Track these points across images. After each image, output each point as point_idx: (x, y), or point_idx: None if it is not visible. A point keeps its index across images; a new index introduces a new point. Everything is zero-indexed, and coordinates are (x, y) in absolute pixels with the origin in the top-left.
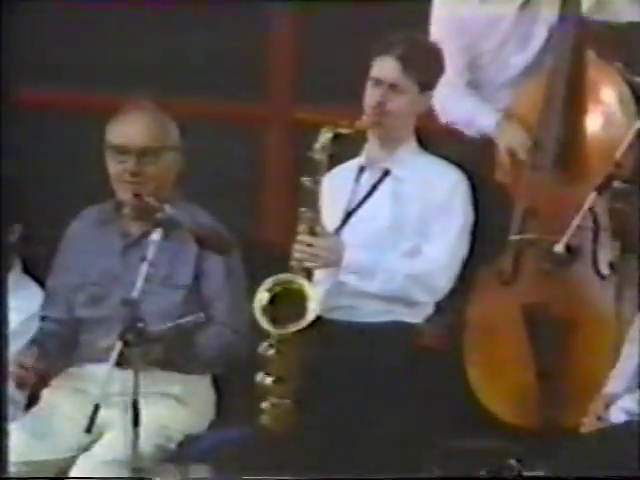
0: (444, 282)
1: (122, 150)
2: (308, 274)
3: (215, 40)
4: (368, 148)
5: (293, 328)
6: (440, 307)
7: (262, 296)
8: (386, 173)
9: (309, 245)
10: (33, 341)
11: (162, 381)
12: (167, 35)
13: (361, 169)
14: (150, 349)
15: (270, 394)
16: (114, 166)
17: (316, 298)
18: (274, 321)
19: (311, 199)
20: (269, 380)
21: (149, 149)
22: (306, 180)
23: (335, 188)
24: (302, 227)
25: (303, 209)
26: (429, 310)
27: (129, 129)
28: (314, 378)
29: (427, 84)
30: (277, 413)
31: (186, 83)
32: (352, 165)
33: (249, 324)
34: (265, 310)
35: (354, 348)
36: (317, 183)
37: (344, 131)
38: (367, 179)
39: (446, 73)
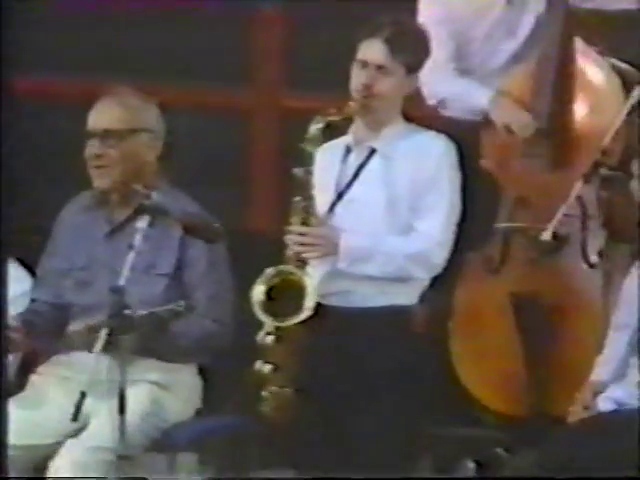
0: (442, 257)
1: (89, 134)
2: (303, 264)
3: (203, 27)
4: (355, 128)
5: (291, 320)
6: (431, 288)
7: (259, 288)
8: (372, 152)
9: (303, 235)
10: (22, 320)
11: (146, 369)
12: (156, 24)
13: (348, 149)
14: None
15: (270, 382)
16: (85, 151)
17: (313, 288)
18: (272, 312)
19: (304, 189)
20: (268, 368)
21: (110, 131)
22: (298, 170)
23: (322, 169)
24: (295, 217)
25: (296, 199)
26: (424, 286)
27: (95, 113)
28: (312, 365)
29: (413, 66)
30: (277, 401)
31: (175, 71)
32: (339, 144)
33: (236, 314)
34: (262, 302)
35: (351, 334)
36: (309, 173)
37: (334, 119)
38: (354, 159)
39: (436, 59)
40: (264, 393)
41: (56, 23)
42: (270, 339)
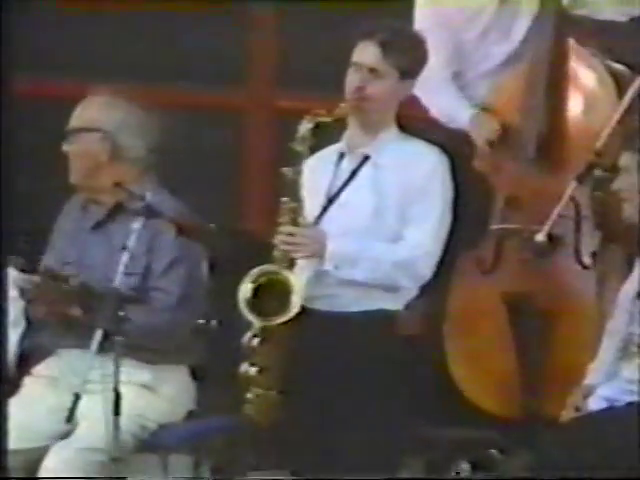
0: (429, 268)
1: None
2: (291, 264)
3: (196, 29)
4: (348, 134)
5: (277, 320)
6: (421, 295)
7: (246, 287)
8: (366, 159)
9: (292, 235)
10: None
11: (134, 369)
12: (151, 25)
13: (341, 155)
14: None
15: (254, 384)
16: None
17: (300, 289)
18: (259, 312)
19: (292, 189)
20: (253, 370)
21: (70, 129)
22: (287, 170)
23: (315, 174)
24: (284, 217)
25: (285, 199)
26: (411, 295)
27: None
28: (297, 368)
29: (408, 71)
30: (262, 404)
31: (168, 71)
32: (332, 151)
33: (230, 314)
34: (249, 301)
35: (337, 338)
36: (298, 173)
37: (324, 120)
38: (347, 165)
39: (431, 65)
40: (249, 395)
41: (55, 24)
42: (256, 341)
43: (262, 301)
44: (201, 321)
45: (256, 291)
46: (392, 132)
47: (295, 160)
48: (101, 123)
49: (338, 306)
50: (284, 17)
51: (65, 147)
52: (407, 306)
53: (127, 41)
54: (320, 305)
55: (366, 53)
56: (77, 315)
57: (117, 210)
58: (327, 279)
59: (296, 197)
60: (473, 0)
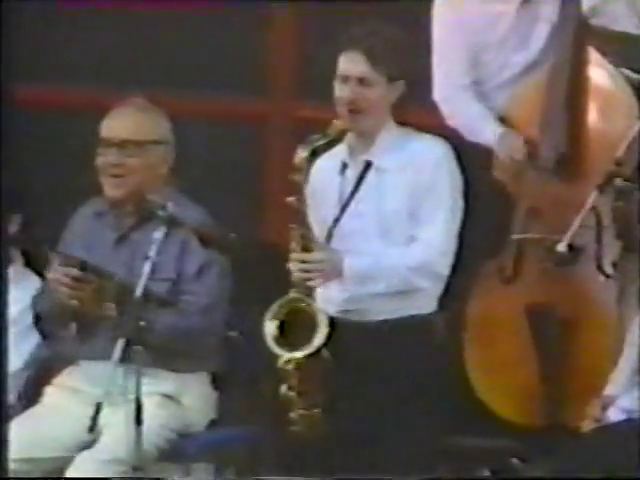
0: (445, 266)
1: (105, 143)
2: (310, 289)
3: (216, 37)
4: (348, 141)
5: (304, 351)
6: (442, 304)
7: (271, 324)
8: (368, 165)
9: (305, 262)
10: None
11: (156, 380)
12: (167, 32)
13: (344, 164)
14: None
15: (296, 406)
16: (100, 160)
17: (324, 317)
18: (286, 344)
19: (299, 216)
20: (293, 394)
21: (130, 141)
22: (291, 200)
23: (322, 183)
24: (294, 245)
25: (292, 226)
26: (437, 294)
27: (113, 123)
28: (336, 381)
29: (395, 75)
30: (307, 422)
31: (187, 80)
32: (336, 156)
33: (250, 324)
34: (275, 337)
35: (371, 346)
36: (302, 201)
37: (320, 144)
38: (351, 174)
39: (451, 71)
40: (293, 415)
41: (61, 30)
42: (290, 367)
43: (288, 332)
44: (232, 333)
45: (281, 323)
46: (391, 132)
47: (296, 190)
48: (164, 135)
49: (370, 317)
50: (306, 26)
51: (115, 159)
52: (436, 312)
53: (146, 49)
54: (352, 318)
55: (353, 63)
56: (111, 314)
57: (144, 219)
58: (353, 296)
59: (303, 223)
60: (491, 6)
